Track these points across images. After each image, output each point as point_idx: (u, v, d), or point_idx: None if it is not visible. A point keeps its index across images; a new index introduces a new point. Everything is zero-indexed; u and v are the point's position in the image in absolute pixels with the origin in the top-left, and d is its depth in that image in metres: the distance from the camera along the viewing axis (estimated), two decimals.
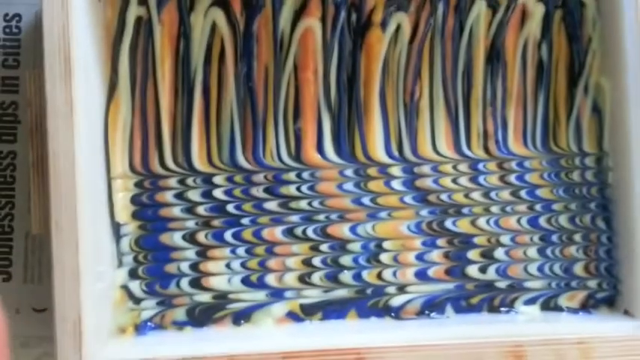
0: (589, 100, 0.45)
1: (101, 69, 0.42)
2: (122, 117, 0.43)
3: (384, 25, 0.43)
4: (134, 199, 0.43)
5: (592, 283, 0.44)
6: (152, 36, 0.43)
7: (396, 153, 0.44)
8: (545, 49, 0.44)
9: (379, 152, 0.44)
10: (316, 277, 0.43)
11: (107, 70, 0.42)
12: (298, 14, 0.43)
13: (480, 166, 0.44)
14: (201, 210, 0.43)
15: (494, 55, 0.44)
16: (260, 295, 0.43)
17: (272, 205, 0.43)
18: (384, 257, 0.44)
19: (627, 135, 0.42)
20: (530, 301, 0.44)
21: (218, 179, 0.43)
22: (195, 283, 0.43)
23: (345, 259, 0.43)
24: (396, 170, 0.44)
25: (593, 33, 0.44)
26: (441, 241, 0.44)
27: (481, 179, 0.44)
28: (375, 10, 0.43)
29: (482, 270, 0.44)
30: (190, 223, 0.43)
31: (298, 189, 0.43)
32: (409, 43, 0.44)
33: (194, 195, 0.43)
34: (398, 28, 0.44)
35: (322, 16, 0.43)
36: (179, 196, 0.43)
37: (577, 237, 0.44)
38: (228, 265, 0.43)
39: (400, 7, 0.44)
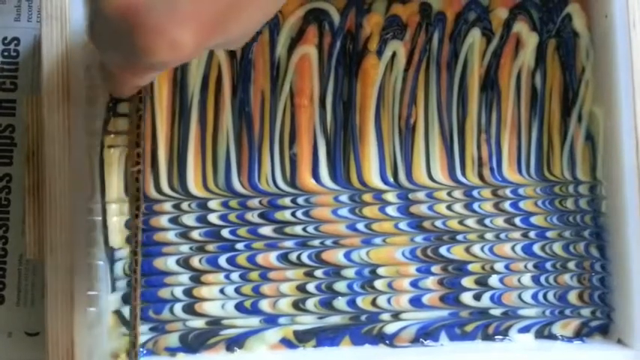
0: (582, 129, 0.45)
1: (99, 94, 0.42)
2: (118, 142, 0.43)
3: (379, 52, 0.44)
4: (129, 224, 0.43)
5: (586, 312, 0.44)
6: None
7: (391, 179, 0.44)
8: (539, 78, 0.45)
9: (374, 178, 0.44)
10: (310, 304, 0.43)
11: (105, 96, 0.43)
12: (295, 41, 0.43)
13: (475, 192, 0.44)
14: (195, 235, 0.43)
15: (489, 83, 0.45)
16: (254, 321, 0.43)
17: (267, 230, 0.43)
18: (379, 283, 0.44)
19: (620, 164, 0.42)
20: (525, 329, 0.44)
21: (213, 204, 0.43)
22: (189, 309, 0.43)
23: (340, 286, 0.43)
24: (390, 196, 0.44)
25: (587, 62, 0.45)
26: (435, 268, 0.44)
27: (476, 206, 0.44)
28: (370, 37, 0.44)
29: (477, 297, 0.44)
30: (185, 248, 0.43)
31: (293, 214, 0.43)
32: (404, 71, 0.44)
33: (189, 220, 0.43)
34: (394, 56, 0.44)
35: (319, 43, 0.44)
36: (174, 220, 0.43)
37: (571, 265, 0.44)
38: (222, 291, 0.43)
39: (396, 35, 0.44)
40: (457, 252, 0.44)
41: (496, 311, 0.44)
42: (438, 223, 0.44)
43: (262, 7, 0.26)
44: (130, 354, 0.38)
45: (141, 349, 0.42)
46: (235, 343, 0.43)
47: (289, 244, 0.43)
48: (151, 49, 0.24)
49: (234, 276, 0.43)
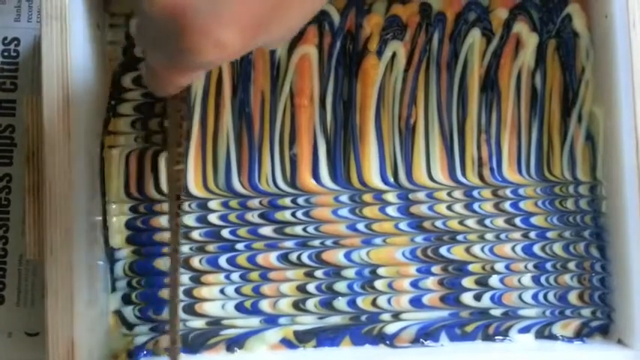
0: (582, 129, 0.45)
1: (99, 95, 0.42)
2: (118, 142, 0.43)
3: (379, 52, 0.44)
4: (129, 224, 0.43)
5: (586, 312, 0.44)
6: None
7: (391, 179, 0.44)
8: (539, 78, 0.45)
9: (374, 178, 0.44)
10: (310, 304, 0.43)
11: (105, 96, 0.43)
12: (295, 41, 0.43)
13: (475, 193, 0.44)
14: (195, 235, 0.43)
15: (489, 84, 0.45)
16: (254, 322, 0.43)
17: (267, 230, 0.43)
18: (379, 284, 0.44)
19: (620, 164, 0.42)
20: (525, 330, 0.44)
21: (213, 204, 0.43)
22: (189, 309, 0.43)
23: (340, 286, 0.43)
24: (391, 196, 0.44)
25: (587, 63, 0.45)
26: (435, 268, 0.44)
27: (476, 206, 0.44)
28: (370, 38, 0.44)
29: (477, 297, 0.44)
30: (185, 248, 0.43)
31: (293, 214, 0.43)
32: (404, 71, 0.44)
33: (189, 220, 0.43)
34: (394, 56, 0.44)
35: (319, 43, 0.44)
36: None
37: (571, 265, 0.44)
38: (222, 291, 0.43)
39: (396, 36, 0.44)
40: (457, 252, 0.44)
41: (496, 311, 0.44)
42: (438, 224, 0.44)
43: (304, 6, 0.27)
44: (171, 351, 0.37)
45: (141, 350, 0.42)
46: (235, 343, 0.43)
47: (289, 244, 0.43)
48: (196, 49, 0.25)
49: (235, 276, 0.43)
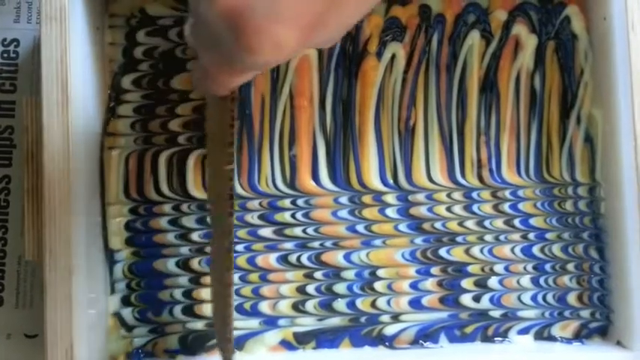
0: (581, 131, 0.45)
1: (99, 96, 0.42)
2: (118, 143, 0.43)
3: (379, 54, 0.44)
4: (128, 226, 0.43)
5: (585, 313, 0.44)
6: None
7: (390, 181, 0.44)
8: (538, 80, 0.45)
9: (374, 180, 0.44)
10: (310, 305, 0.43)
11: (105, 98, 0.43)
12: None
13: (474, 194, 0.44)
14: (195, 236, 0.43)
15: (488, 85, 0.45)
16: (253, 323, 0.43)
17: (266, 231, 0.43)
18: (379, 285, 0.44)
19: (619, 166, 0.42)
20: (524, 331, 0.44)
21: None
22: (188, 311, 0.43)
23: (339, 287, 0.43)
24: (390, 198, 0.44)
25: (585, 65, 0.45)
26: (435, 270, 0.44)
27: (475, 208, 0.44)
28: (370, 39, 0.44)
29: (476, 299, 0.44)
30: (184, 250, 0.43)
31: (293, 216, 0.43)
32: (404, 73, 0.44)
33: (188, 221, 0.43)
34: (393, 57, 0.44)
35: None
36: (173, 222, 0.43)
37: (570, 266, 0.44)
38: None
39: (395, 37, 0.44)
40: (457, 253, 0.44)
41: (495, 313, 0.44)
42: (438, 225, 0.44)
43: (359, 5, 0.27)
44: (224, 348, 0.37)
45: (140, 352, 0.42)
46: (235, 344, 0.43)
47: (289, 245, 0.43)
48: (254, 49, 0.25)
49: (234, 278, 0.43)
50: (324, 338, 0.43)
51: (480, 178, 0.45)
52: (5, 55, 0.47)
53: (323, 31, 0.26)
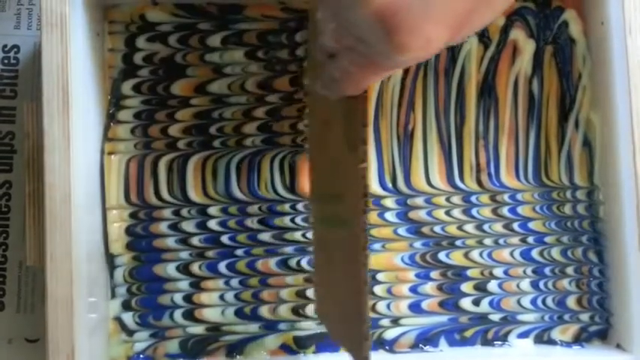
0: (580, 135, 0.45)
1: (99, 102, 0.42)
2: (118, 149, 0.43)
3: None
4: (129, 230, 0.43)
5: (585, 317, 0.44)
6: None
7: (389, 185, 0.44)
8: (536, 85, 0.45)
9: (373, 184, 0.44)
10: (310, 309, 0.43)
11: (105, 103, 0.43)
12: None
13: (473, 198, 0.45)
14: (195, 241, 0.43)
15: (486, 90, 0.45)
16: (254, 328, 0.43)
17: (266, 236, 0.43)
18: (378, 289, 0.44)
19: (617, 169, 0.42)
20: (524, 335, 0.44)
21: (213, 210, 0.43)
22: (189, 315, 0.43)
23: None
24: (389, 202, 0.44)
25: (583, 69, 0.45)
26: (434, 274, 0.44)
27: (474, 211, 0.44)
28: None
29: (476, 303, 0.44)
30: (184, 254, 0.43)
31: (292, 220, 0.44)
32: (402, 78, 0.44)
33: (188, 226, 0.43)
34: None
35: None
36: (174, 227, 0.43)
37: (569, 270, 0.45)
38: (221, 297, 0.43)
39: None
40: (456, 257, 0.44)
41: (495, 316, 0.44)
42: (437, 229, 0.44)
43: (503, 3, 0.27)
44: (360, 348, 0.35)
45: (140, 356, 0.42)
46: (235, 349, 0.43)
47: (289, 249, 0.43)
48: (405, 47, 0.26)
49: (234, 282, 0.43)
50: (325, 342, 0.43)
51: (479, 182, 0.45)
52: (6, 61, 0.47)
53: (467, 29, 0.27)
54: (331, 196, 0.39)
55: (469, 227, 0.44)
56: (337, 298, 0.38)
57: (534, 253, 0.45)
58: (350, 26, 0.27)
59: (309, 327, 0.43)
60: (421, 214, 0.44)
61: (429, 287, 0.44)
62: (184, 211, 0.43)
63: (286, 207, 0.44)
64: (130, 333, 0.42)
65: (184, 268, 0.43)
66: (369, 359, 0.33)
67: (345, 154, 0.35)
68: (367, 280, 0.34)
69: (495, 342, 0.44)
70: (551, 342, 0.44)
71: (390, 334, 0.43)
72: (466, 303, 0.44)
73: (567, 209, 0.45)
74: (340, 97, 0.32)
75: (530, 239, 0.45)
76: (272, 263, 0.43)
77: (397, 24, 0.25)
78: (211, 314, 0.43)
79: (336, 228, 0.37)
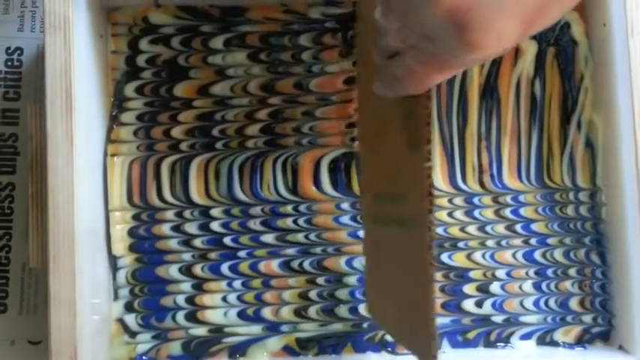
0: (582, 136, 0.45)
1: (102, 104, 0.42)
2: (121, 150, 0.43)
3: None
4: (131, 232, 0.43)
5: (587, 318, 0.44)
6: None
7: None
8: (538, 86, 0.45)
9: None
10: (312, 311, 0.43)
11: (108, 105, 0.43)
12: None
13: (475, 199, 0.45)
14: (198, 243, 0.43)
15: (489, 92, 0.45)
16: (256, 329, 0.43)
17: (269, 237, 0.43)
18: None
19: (620, 171, 0.42)
20: (526, 336, 0.44)
21: (215, 212, 0.43)
22: (191, 317, 0.43)
23: (342, 293, 0.44)
24: None
25: (586, 70, 0.45)
26: (437, 275, 0.44)
27: (476, 213, 0.44)
28: None
29: (479, 304, 0.44)
30: (187, 256, 0.43)
31: (295, 222, 0.44)
32: None
33: (191, 227, 0.43)
34: None
35: None
36: (176, 228, 0.43)
37: (572, 271, 0.45)
38: (224, 299, 0.43)
39: None
40: (458, 259, 0.44)
41: (498, 318, 0.44)
42: (440, 230, 0.44)
43: None
44: (432, 346, 0.34)
45: (143, 357, 0.42)
46: (238, 350, 0.43)
47: (291, 251, 0.44)
48: (477, 45, 0.25)
49: (237, 284, 0.43)
50: (327, 344, 0.43)
51: (482, 184, 0.45)
52: (9, 63, 0.47)
53: (539, 23, 0.26)
54: (390, 195, 0.38)
55: (471, 229, 0.44)
56: (396, 298, 0.37)
57: (537, 255, 0.44)
58: (418, 26, 0.27)
59: (312, 328, 0.43)
60: None
61: None
62: (187, 213, 0.43)
63: (289, 208, 0.44)
64: (133, 334, 0.43)
65: (187, 270, 0.43)
66: (437, 359, 0.33)
67: (406, 153, 0.35)
68: (433, 280, 0.34)
69: (498, 343, 0.44)
70: (554, 343, 0.44)
71: None
72: (469, 304, 0.44)
73: (570, 211, 0.45)
74: (400, 97, 0.32)
75: (533, 241, 0.45)
76: (274, 265, 0.43)
77: (469, 22, 0.25)
78: (214, 316, 0.43)
79: (393, 227, 0.37)
